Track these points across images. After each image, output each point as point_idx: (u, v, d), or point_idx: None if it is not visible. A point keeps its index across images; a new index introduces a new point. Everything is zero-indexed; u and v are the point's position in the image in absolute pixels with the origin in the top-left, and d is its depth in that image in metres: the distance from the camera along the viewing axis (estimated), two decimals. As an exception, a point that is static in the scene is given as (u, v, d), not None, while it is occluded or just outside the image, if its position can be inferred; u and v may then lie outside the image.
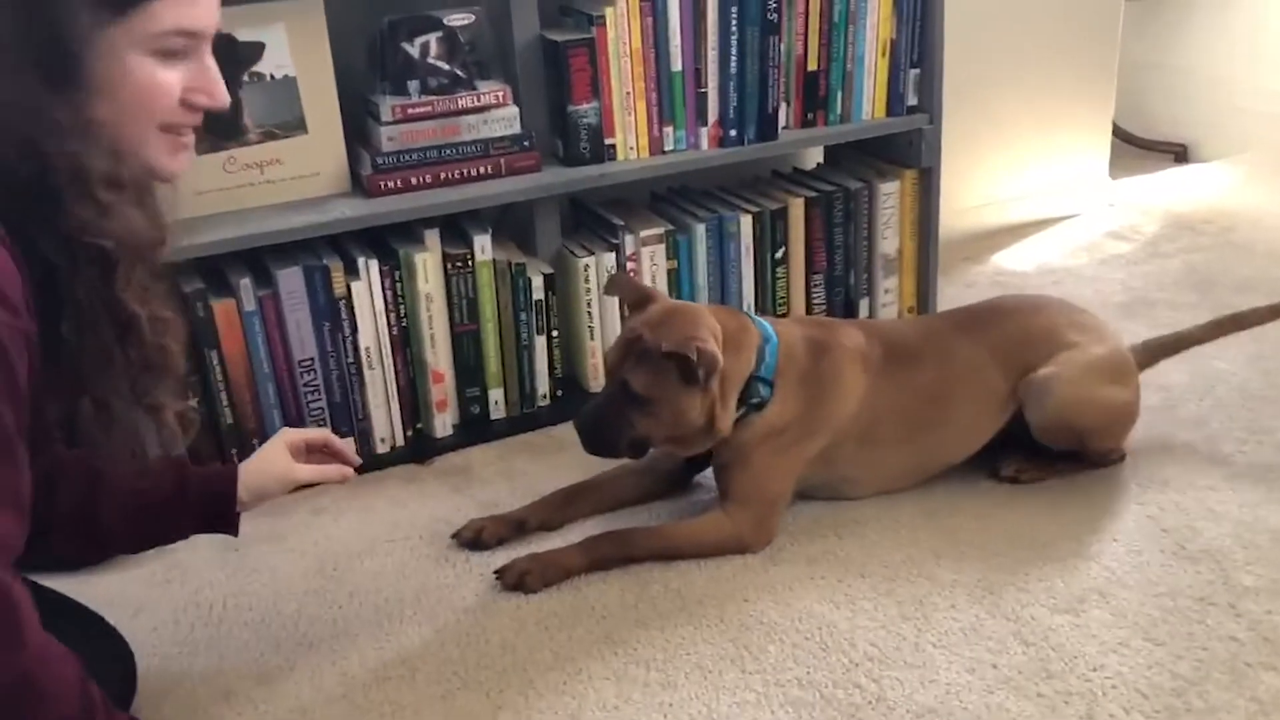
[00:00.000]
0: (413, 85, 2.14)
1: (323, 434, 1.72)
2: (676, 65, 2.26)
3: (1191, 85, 3.85)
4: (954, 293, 2.76)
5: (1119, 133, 3.69)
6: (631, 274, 2.28)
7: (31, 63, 1.18)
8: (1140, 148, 3.88)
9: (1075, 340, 1.96)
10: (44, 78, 1.19)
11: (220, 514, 1.60)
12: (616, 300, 2.30)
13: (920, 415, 1.95)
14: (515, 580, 1.78)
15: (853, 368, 1.91)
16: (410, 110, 2.12)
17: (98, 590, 1.83)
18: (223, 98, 1.34)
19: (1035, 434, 1.95)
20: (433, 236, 2.15)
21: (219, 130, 2.04)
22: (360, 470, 2.10)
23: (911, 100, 2.47)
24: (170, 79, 1.26)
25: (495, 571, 1.81)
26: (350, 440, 1.66)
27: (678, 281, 2.37)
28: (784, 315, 2.46)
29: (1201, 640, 1.59)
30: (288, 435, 1.67)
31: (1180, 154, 3.91)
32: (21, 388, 1.17)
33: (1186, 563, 1.75)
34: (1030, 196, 3.20)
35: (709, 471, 1.98)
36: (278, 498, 1.65)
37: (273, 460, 1.63)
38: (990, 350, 1.96)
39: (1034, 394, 1.92)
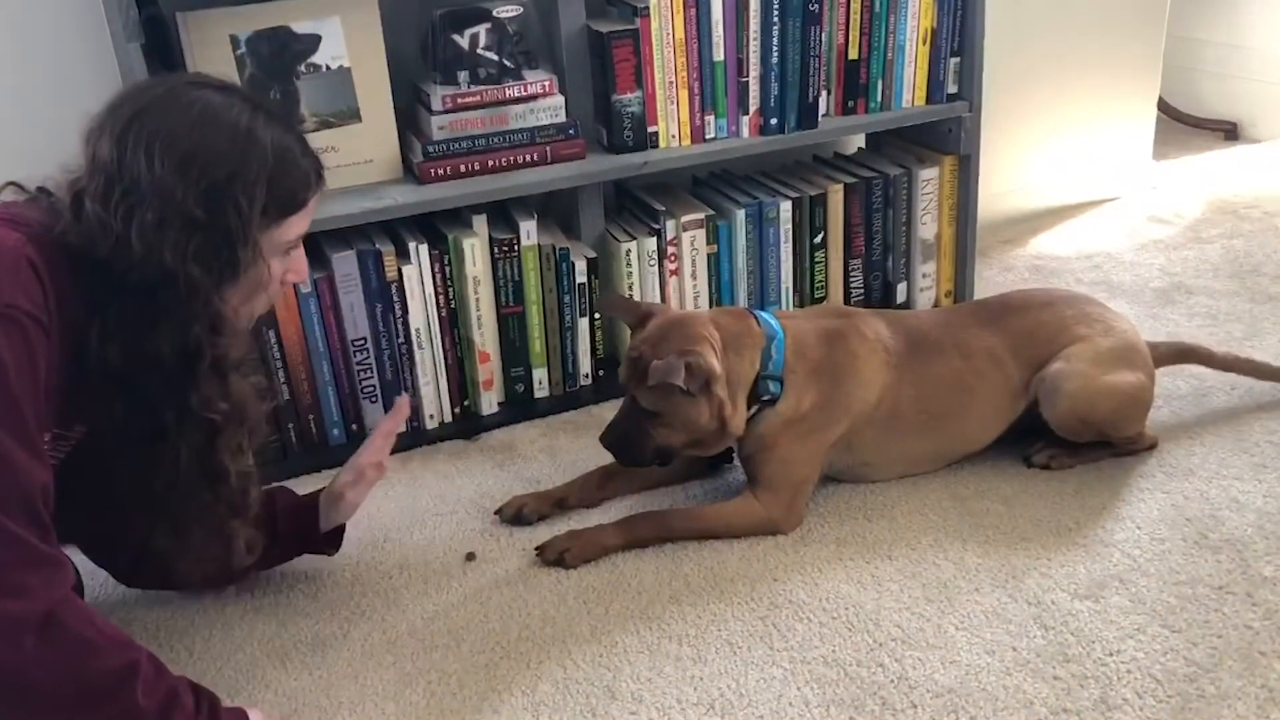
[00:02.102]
0: (462, 75, 2.20)
1: (375, 449, 1.83)
2: (719, 55, 2.31)
3: (1242, 61, 3.80)
4: (992, 276, 2.80)
5: (1167, 110, 3.67)
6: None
7: (204, 261, 1.36)
8: (1189, 125, 3.84)
9: (1083, 333, 2.00)
10: (212, 274, 1.37)
11: (309, 536, 1.82)
12: (658, 285, 2.37)
13: (940, 405, 1.99)
14: (555, 557, 1.86)
15: (873, 358, 1.96)
16: (460, 100, 2.19)
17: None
18: (307, 276, 1.67)
19: (1055, 430, 2.00)
20: (480, 222, 2.23)
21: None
22: (410, 446, 2.23)
23: (951, 88, 2.50)
24: (281, 269, 1.52)
25: (536, 548, 1.89)
26: (405, 399, 1.87)
27: (717, 266, 2.43)
28: (813, 303, 2.50)
29: (1217, 628, 1.64)
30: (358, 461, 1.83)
31: (1230, 132, 3.87)
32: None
33: (1207, 551, 1.80)
34: (1071, 179, 3.20)
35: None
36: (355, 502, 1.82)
37: (338, 484, 1.82)
38: (1005, 343, 2.01)
39: (1045, 392, 1.97)
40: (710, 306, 2.43)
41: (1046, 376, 1.97)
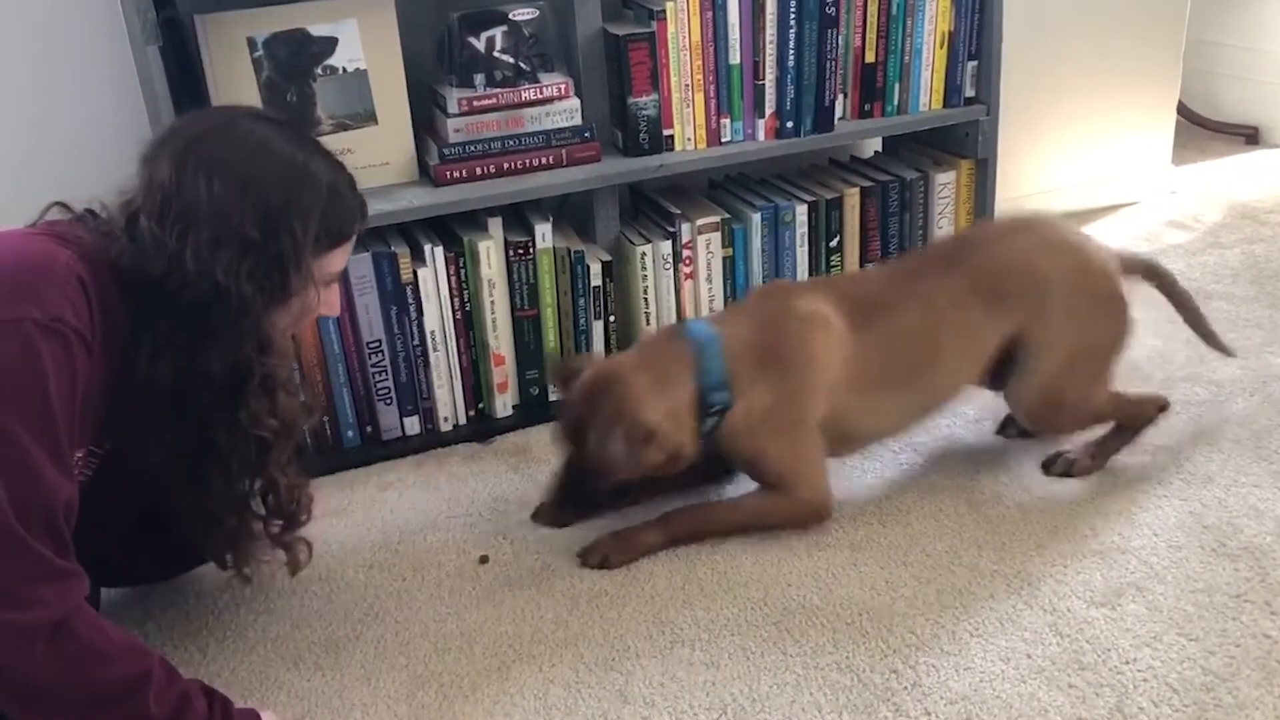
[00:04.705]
0: (479, 78, 2.21)
1: None
2: (735, 58, 2.30)
3: (1263, 65, 3.77)
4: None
5: (1188, 114, 3.64)
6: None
7: (257, 282, 1.40)
8: (1209, 130, 3.82)
9: (1045, 268, 1.94)
10: (264, 295, 1.41)
11: None
12: (672, 288, 2.37)
13: (908, 362, 1.94)
14: (600, 560, 1.86)
15: (818, 335, 1.88)
16: (476, 102, 2.19)
17: (179, 558, 1.95)
18: (339, 311, 1.77)
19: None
20: (496, 224, 2.23)
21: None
22: (424, 448, 2.24)
23: (969, 92, 2.49)
24: (318, 300, 1.56)
25: (578, 552, 1.88)
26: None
27: (733, 269, 2.43)
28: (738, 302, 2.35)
29: (1235, 637, 1.62)
30: None
31: (1251, 136, 3.84)
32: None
33: (1225, 560, 1.78)
34: (1089, 183, 3.19)
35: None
36: None
37: None
38: (967, 284, 1.94)
39: (1015, 400, 2.00)
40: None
41: (1016, 388, 1.97)
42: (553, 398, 2.35)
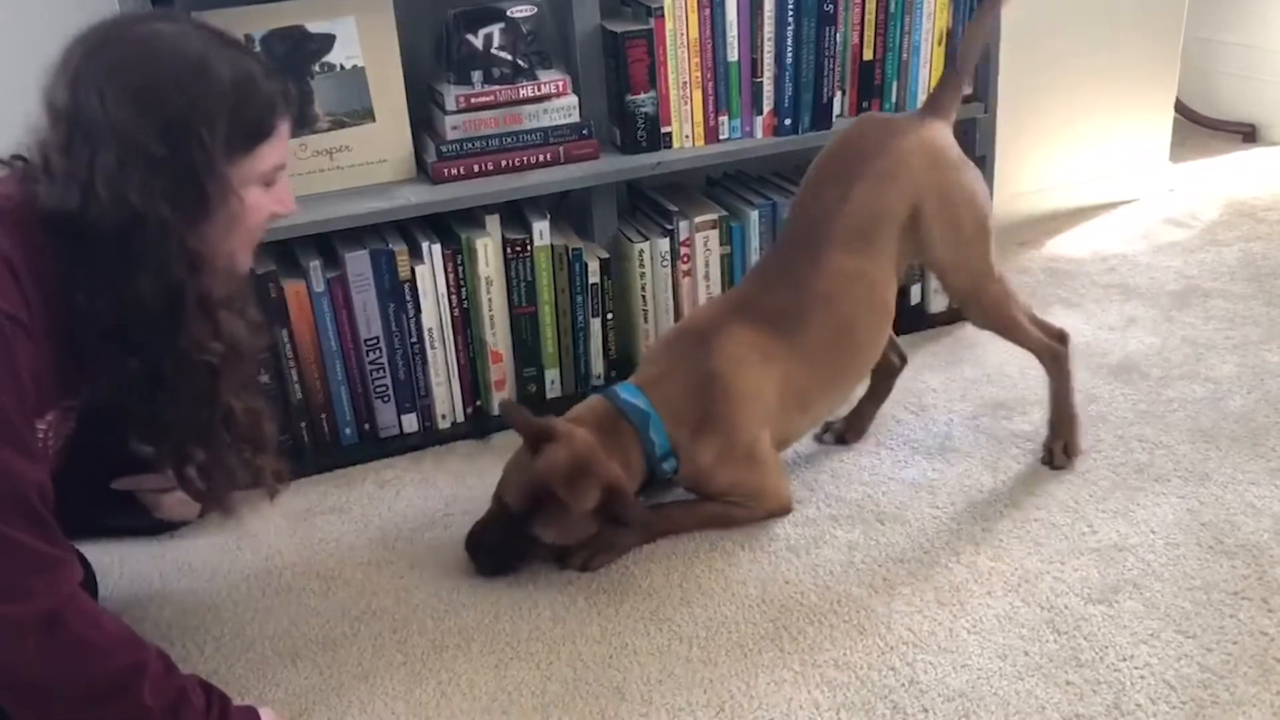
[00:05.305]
0: (476, 75, 2.21)
1: None
2: (733, 56, 2.30)
3: (1261, 63, 3.77)
4: (1007, 278, 2.78)
5: (1185, 112, 3.64)
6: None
7: (171, 199, 1.32)
8: (1207, 128, 3.82)
9: (892, 203, 1.92)
10: (181, 212, 1.33)
11: None
12: (670, 285, 2.37)
13: (833, 356, 1.95)
14: (582, 563, 1.86)
15: (748, 371, 1.88)
16: (474, 100, 2.19)
17: (174, 555, 1.96)
18: (294, 206, 1.55)
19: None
20: (493, 222, 2.22)
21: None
22: (422, 446, 2.24)
23: (967, 89, 2.47)
24: (267, 201, 1.46)
25: (555, 556, 1.87)
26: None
27: (731, 267, 2.42)
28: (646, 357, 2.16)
29: (1232, 634, 1.63)
30: None
31: (1249, 134, 3.84)
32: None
33: (1223, 557, 1.78)
34: (1088, 180, 3.18)
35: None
36: None
37: None
38: (846, 246, 1.91)
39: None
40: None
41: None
42: (551, 394, 2.36)
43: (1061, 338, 2.06)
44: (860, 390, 2.17)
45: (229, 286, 1.43)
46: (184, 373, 1.39)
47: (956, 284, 2.02)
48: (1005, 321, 2.04)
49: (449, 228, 2.25)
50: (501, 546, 1.85)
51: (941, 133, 1.99)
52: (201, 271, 1.36)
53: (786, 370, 1.91)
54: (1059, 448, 2.05)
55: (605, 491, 1.78)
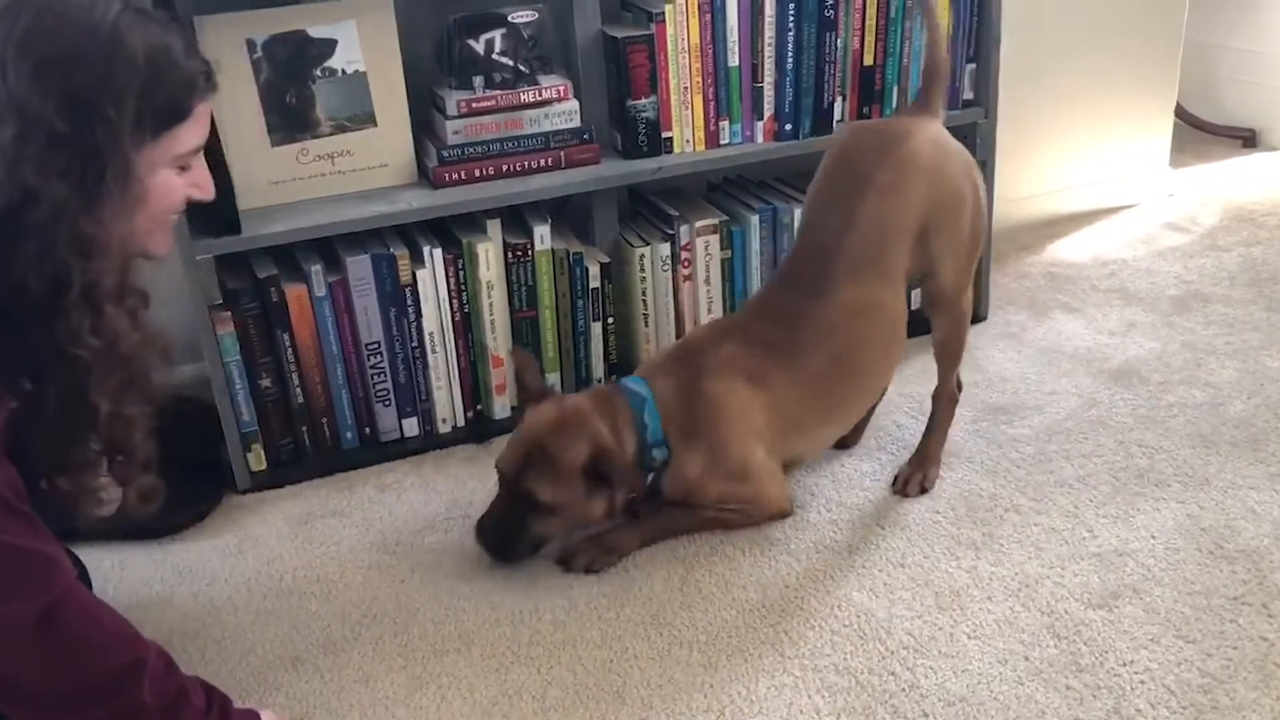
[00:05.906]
0: (477, 80, 2.21)
1: None
2: (734, 61, 2.30)
3: (1262, 68, 3.77)
4: (1007, 283, 2.79)
5: (1185, 116, 3.64)
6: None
7: (69, 179, 1.24)
8: (1207, 132, 3.82)
9: (898, 221, 1.91)
10: (79, 193, 1.25)
11: None
12: (671, 290, 2.37)
13: (834, 387, 1.95)
14: (585, 565, 1.86)
15: (738, 396, 1.88)
16: (475, 104, 2.20)
17: (175, 559, 1.96)
18: (212, 191, 1.47)
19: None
20: (494, 226, 2.23)
21: (294, 124, 2.13)
22: (422, 449, 2.24)
23: (967, 94, 2.49)
24: (181, 184, 1.40)
25: (558, 559, 1.88)
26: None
27: (731, 272, 2.43)
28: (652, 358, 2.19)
29: (1232, 639, 1.63)
30: None
31: (1249, 139, 3.85)
32: None
33: (1223, 562, 1.79)
34: (1088, 185, 3.19)
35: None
36: None
37: None
38: (852, 277, 1.90)
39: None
40: (724, 313, 2.43)
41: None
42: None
43: (960, 385, 2.12)
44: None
45: (125, 280, 1.33)
46: (57, 367, 1.29)
47: (943, 284, 1.99)
48: (960, 341, 2.07)
49: (450, 232, 2.25)
50: (503, 520, 1.85)
51: (940, 130, 2.00)
52: (92, 258, 1.26)
53: (780, 398, 1.91)
54: (917, 478, 2.03)
55: (593, 448, 1.78)
